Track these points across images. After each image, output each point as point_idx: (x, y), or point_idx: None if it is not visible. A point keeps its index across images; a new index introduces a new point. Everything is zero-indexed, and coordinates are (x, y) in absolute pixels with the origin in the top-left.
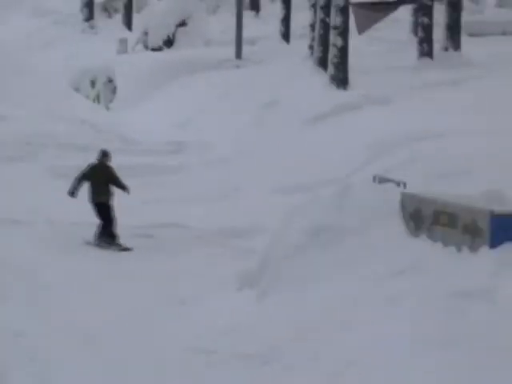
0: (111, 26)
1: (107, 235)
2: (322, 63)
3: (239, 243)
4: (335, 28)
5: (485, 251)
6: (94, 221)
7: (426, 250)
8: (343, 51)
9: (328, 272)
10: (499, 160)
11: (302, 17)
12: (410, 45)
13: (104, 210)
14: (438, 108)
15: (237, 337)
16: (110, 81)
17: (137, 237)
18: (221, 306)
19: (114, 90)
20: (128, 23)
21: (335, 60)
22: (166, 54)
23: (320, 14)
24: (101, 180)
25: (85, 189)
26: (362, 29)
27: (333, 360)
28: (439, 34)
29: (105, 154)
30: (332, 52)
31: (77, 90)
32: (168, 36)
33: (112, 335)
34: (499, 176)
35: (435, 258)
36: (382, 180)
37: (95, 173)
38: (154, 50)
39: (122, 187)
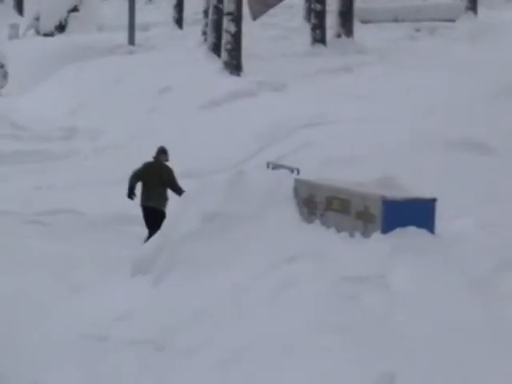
0: (2, 10)
1: None
2: (216, 49)
3: (134, 229)
4: (228, 14)
5: (377, 237)
6: None
7: (320, 235)
8: (236, 37)
9: (222, 258)
10: (391, 146)
11: (195, 2)
12: (304, 31)
13: (153, 217)
14: (331, 94)
15: (131, 323)
16: (2, 66)
17: (29, 223)
18: (115, 293)
19: (5, 76)
20: (19, 8)
21: (228, 46)
22: (58, 39)
23: (213, 0)
24: (154, 181)
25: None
26: (255, 15)
27: (227, 346)
28: (332, 20)
29: (161, 151)
30: (225, 38)
31: None
32: (60, 21)
33: (3, 323)
34: (391, 162)
35: (328, 244)
36: (275, 166)
37: (148, 172)
38: (45, 35)
39: (178, 191)
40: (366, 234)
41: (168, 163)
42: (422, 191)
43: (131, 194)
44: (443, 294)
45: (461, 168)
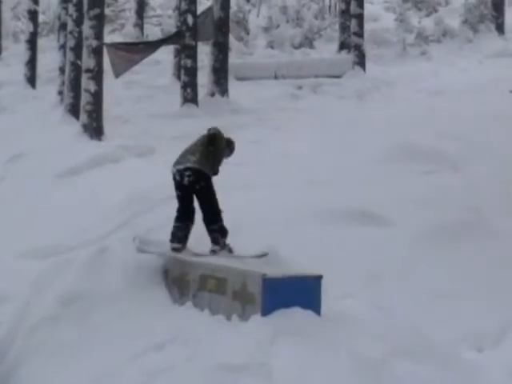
0: None
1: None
2: (74, 111)
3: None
4: (88, 71)
5: (257, 319)
6: None
7: (192, 318)
8: (97, 97)
9: (83, 345)
10: (275, 217)
11: (49, 59)
12: (173, 89)
13: None
14: None
15: None
16: None
17: None
18: None
19: None
20: None
21: (88, 107)
22: None
23: (70, 56)
24: None
25: None
26: (118, 72)
27: None
28: (205, 77)
29: None
30: (84, 98)
31: None
32: None
33: None
34: (275, 235)
35: (202, 328)
36: (143, 241)
37: None
38: None
39: None
40: (244, 316)
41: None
42: (308, 267)
43: None
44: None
45: (350, 241)
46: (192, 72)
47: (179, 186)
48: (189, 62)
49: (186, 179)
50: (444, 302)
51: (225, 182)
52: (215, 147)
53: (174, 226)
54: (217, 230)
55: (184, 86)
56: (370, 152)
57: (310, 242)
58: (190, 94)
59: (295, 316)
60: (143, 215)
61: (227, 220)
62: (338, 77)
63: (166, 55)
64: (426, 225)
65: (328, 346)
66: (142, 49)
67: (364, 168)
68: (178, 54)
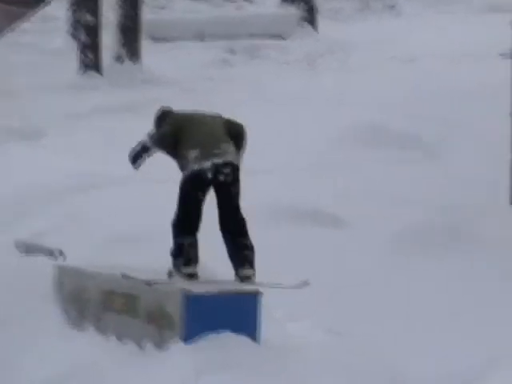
0: None
1: None
2: None
3: None
4: None
5: (177, 348)
6: None
7: (93, 347)
8: None
9: None
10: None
11: None
12: (69, 53)
13: None
14: (110, 144)
15: None
16: None
17: None
18: None
19: None
20: None
21: None
22: None
23: None
24: None
25: None
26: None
27: None
28: (110, 38)
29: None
30: None
31: None
32: None
33: None
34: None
35: (107, 360)
36: (29, 248)
37: None
38: None
39: None
40: (161, 344)
41: None
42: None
43: None
44: None
45: (299, 246)
46: (93, 30)
47: (207, 185)
48: (89, 18)
49: (222, 177)
50: (420, 326)
51: (131, 175)
52: (241, 144)
53: (184, 244)
54: (249, 247)
55: (82, 49)
56: (323, 134)
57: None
58: (90, 60)
59: (226, 343)
60: (29, 216)
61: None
62: (282, 37)
63: (60, 11)
64: (395, 227)
65: (268, 382)
66: (31, 3)
67: (315, 154)
68: (74, 5)
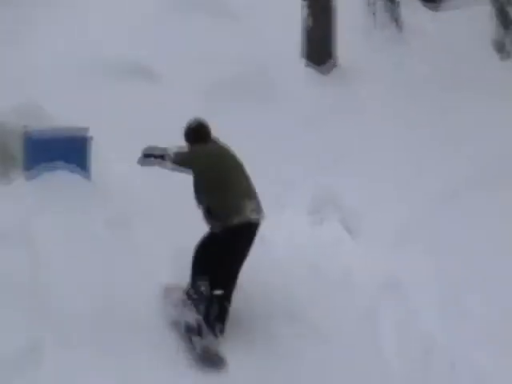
0: None
1: None
2: None
3: None
4: None
5: (19, 182)
6: None
7: None
8: None
9: None
10: (37, 71)
11: None
12: None
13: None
14: None
15: None
16: None
17: None
18: None
19: None
20: None
21: None
22: None
23: None
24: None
25: None
26: None
27: None
28: None
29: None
30: None
31: None
32: None
33: None
34: (38, 87)
35: None
36: None
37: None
38: None
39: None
40: (4, 178)
41: None
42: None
43: None
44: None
45: (125, 98)
46: None
47: (239, 243)
48: None
49: (255, 233)
50: None
51: None
52: None
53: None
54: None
55: None
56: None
57: (76, 97)
58: None
59: (62, 179)
60: None
61: None
62: None
63: None
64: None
65: (96, 212)
66: None
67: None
68: None
